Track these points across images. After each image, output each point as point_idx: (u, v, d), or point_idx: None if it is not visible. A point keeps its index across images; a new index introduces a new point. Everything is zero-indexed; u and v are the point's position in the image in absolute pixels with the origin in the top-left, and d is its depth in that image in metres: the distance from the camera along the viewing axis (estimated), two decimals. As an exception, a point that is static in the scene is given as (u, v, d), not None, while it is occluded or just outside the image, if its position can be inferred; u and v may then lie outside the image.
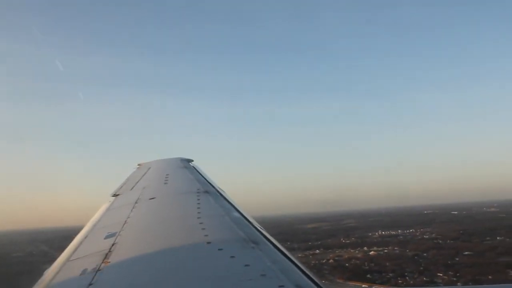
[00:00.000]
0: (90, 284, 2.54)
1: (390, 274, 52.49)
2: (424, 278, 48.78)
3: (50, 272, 3.14)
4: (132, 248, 3.24)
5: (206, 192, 4.89)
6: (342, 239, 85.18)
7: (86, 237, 3.90)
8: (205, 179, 5.98)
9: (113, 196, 5.76)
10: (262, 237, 3.26)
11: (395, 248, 69.90)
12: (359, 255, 65.18)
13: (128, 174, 7.43)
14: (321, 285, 2.52)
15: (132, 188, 5.99)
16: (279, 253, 2.86)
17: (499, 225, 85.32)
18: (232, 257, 2.66)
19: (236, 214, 3.99)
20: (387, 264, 56.84)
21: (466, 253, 60.68)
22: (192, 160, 7.69)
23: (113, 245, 3.29)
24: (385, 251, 67.89)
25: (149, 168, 7.48)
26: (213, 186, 5.41)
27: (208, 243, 2.96)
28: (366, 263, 59.63)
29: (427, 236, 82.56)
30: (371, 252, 66.93)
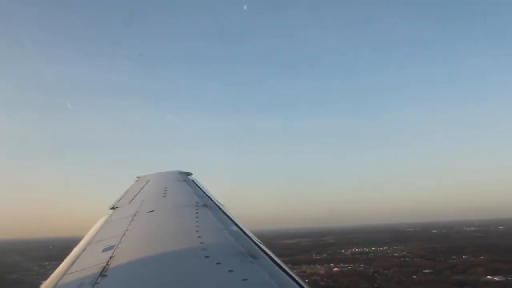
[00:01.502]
0: None
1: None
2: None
3: (47, 285, 3.16)
4: (130, 262, 3.25)
5: (205, 205, 4.89)
6: (314, 255, 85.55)
7: (84, 250, 3.90)
8: (204, 192, 5.97)
9: (111, 209, 5.75)
10: (260, 251, 3.27)
11: (361, 265, 70.56)
12: (321, 272, 65.79)
13: (127, 186, 7.39)
14: None
15: (131, 201, 5.96)
16: (277, 267, 2.88)
17: (470, 244, 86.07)
18: (230, 271, 2.66)
19: (235, 228, 3.99)
20: (344, 280, 57.58)
21: (426, 271, 61.48)
22: (191, 174, 7.68)
23: (111, 258, 3.28)
24: (349, 268, 68.56)
25: (148, 181, 7.45)
26: (212, 200, 5.42)
27: (207, 257, 2.97)
28: (324, 279, 60.29)
29: (397, 254, 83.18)
30: (335, 269, 67.58)
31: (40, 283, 3.28)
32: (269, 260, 3.03)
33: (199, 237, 3.52)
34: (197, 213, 4.49)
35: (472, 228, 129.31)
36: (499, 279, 53.32)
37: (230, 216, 4.53)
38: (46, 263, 75.19)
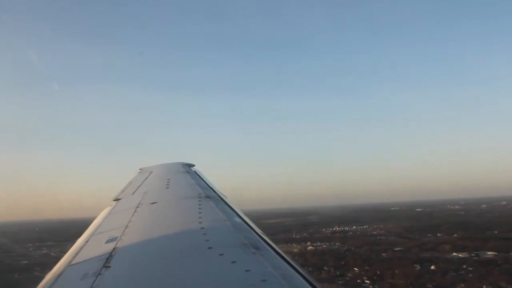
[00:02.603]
0: None
1: (309, 269, 54.27)
2: (337, 272, 50.74)
3: (50, 276, 3.19)
4: (133, 253, 3.29)
5: (208, 197, 4.89)
6: (294, 234, 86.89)
7: (87, 241, 3.93)
8: (207, 184, 5.99)
9: (114, 200, 5.75)
10: (263, 242, 3.30)
11: (336, 244, 71.68)
12: (295, 250, 66.88)
13: (130, 178, 7.39)
14: None
15: (134, 192, 5.98)
16: (280, 259, 2.92)
17: (448, 222, 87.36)
18: (233, 262, 2.69)
19: (238, 219, 4.00)
20: (313, 259, 58.63)
21: (396, 249, 62.59)
22: (194, 165, 7.70)
23: (114, 249, 3.32)
24: (324, 246, 69.72)
25: (151, 172, 7.46)
26: (214, 191, 5.41)
27: (210, 248, 3.01)
28: (295, 257, 61.44)
29: (375, 232, 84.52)
30: (309, 247, 68.76)
31: (43, 276, 3.28)
32: (272, 251, 3.07)
33: (202, 228, 3.54)
34: (200, 204, 4.49)
35: (457, 207, 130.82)
36: (463, 255, 54.41)
37: (233, 208, 4.56)
38: (29, 244, 76.65)
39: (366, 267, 51.18)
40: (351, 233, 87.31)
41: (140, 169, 8.08)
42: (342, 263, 55.38)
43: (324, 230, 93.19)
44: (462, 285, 40.90)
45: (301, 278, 2.61)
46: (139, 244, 3.45)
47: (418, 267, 49.16)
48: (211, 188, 5.65)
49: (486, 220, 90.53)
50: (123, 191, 6.26)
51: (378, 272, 47.49)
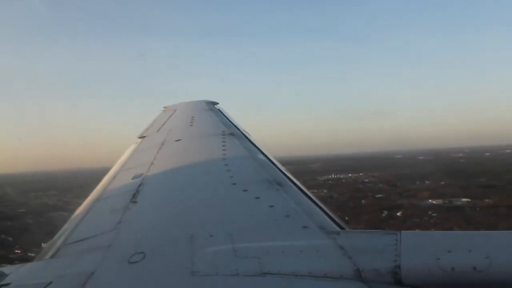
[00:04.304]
0: (119, 222, 2.70)
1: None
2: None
3: (80, 211, 3.29)
4: (159, 189, 3.37)
5: (231, 134, 4.90)
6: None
7: (114, 177, 4.06)
8: (230, 121, 6.00)
9: (139, 138, 5.85)
10: (286, 179, 3.32)
11: (324, 191, 73.49)
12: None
13: (155, 116, 7.48)
14: (344, 226, 2.58)
15: (158, 130, 6.03)
16: (303, 195, 2.95)
17: (442, 170, 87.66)
18: (256, 198, 2.74)
19: (261, 156, 4.05)
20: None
21: (378, 195, 64.29)
22: (218, 103, 7.65)
23: (140, 185, 3.39)
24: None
25: (175, 110, 7.48)
26: (238, 129, 5.43)
27: (234, 184, 3.05)
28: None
29: (367, 180, 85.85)
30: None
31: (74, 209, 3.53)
32: (295, 187, 3.13)
33: (226, 165, 3.63)
34: (223, 141, 4.56)
35: (460, 155, 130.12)
36: (436, 202, 55.69)
37: (256, 145, 4.60)
38: (32, 194, 79.93)
39: (338, 213, 53.17)
40: (344, 180, 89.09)
41: (164, 108, 8.09)
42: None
43: (318, 177, 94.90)
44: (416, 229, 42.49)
45: (324, 215, 2.67)
46: (164, 181, 3.58)
47: (386, 213, 50.92)
48: (234, 125, 5.66)
49: (481, 168, 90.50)
50: (148, 129, 6.34)
51: (346, 218, 49.49)
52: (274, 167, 3.71)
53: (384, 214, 50.41)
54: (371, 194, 65.88)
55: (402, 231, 2.18)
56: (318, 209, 2.73)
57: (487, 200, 52.97)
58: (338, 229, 2.45)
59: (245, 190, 2.90)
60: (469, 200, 54.25)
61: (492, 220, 40.49)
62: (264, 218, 2.49)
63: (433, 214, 48.25)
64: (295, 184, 3.26)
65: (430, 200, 57.37)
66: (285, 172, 3.66)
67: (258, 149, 4.39)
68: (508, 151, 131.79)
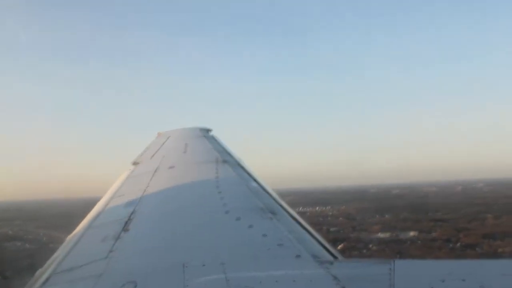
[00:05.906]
0: (111, 251, 2.67)
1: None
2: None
3: (71, 239, 3.26)
4: (152, 217, 3.34)
5: (225, 161, 4.92)
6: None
7: (106, 204, 4.00)
8: (224, 148, 6.02)
9: (133, 164, 5.83)
10: (279, 207, 3.32)
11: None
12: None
13: (148, 143, 7.54)
14: (337, 255, 2.61)
15: (152, 156, 6.03)
16: (296, 223, 2.94)
17: (407, 204, 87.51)
18: (250, 226, 2.72)
19: (254, 184, 4.03)
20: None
21: (332, 229, 63.62)
22: (211, 130, 7.70)
23: (132, 213, 3.37)
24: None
25: (169, 137, 7.53)
26: (231, 156, 5.44)
27: (227, 212, 3.03)
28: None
29: (330, 213, 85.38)
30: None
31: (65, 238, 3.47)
32: (288, 216, 3.12)
33: (219, 192, 3.61)
34: (217, 168, 4.56)
35: (433, 189, 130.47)
36: (383, 236, 55.17)
37: (250, 172, 4.62)
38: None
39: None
40: (308, 214, 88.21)
41: (158, 134, 8.19)
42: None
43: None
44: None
45: (317, 243, 2.67)
46: (157, 208, 3.54)
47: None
48: (228, 153, 5.68)
49: (446, 202, 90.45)
50: (141, 155, 6.34)
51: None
52: (267, 195, 3.72)
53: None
54: (326, 227, 65.04)
55: (396, 260, 2.15)
56: (311, 238, 2.72)
57: (433, 233, 52.71)
58: (331, 258, 2.45)
59: (238, 219, 2.90)
60: (415, 233, 53.84)
61: (424, 251, 40.41)
62: (257, 247, 2.46)
63: (373, 247, 47.59)
64: (288, 212, 3.27)
65: (379, 234, 56.80)
66: (278, 200, 3.67)
67: (251, 176, 4.39)
68: (481, 184, 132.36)
